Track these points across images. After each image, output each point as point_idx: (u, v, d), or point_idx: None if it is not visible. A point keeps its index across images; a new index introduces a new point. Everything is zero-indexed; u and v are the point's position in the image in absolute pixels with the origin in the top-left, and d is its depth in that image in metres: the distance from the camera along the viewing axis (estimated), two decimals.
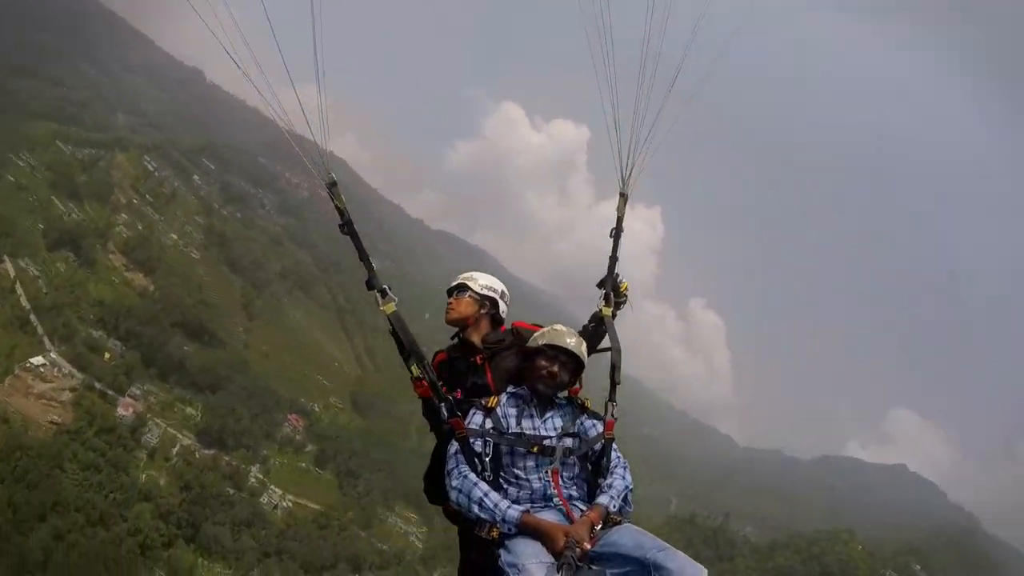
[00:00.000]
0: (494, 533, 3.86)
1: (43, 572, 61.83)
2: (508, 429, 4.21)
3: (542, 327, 4.68)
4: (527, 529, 3.76)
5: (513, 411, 4.30)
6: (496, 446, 4.17)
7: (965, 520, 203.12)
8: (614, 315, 5.08)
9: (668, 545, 3.54)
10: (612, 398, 4.60)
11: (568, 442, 4.27)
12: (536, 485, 4.11)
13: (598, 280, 5.18)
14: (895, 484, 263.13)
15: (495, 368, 4.72)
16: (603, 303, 5.05)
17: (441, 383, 4.37)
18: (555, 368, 4.29)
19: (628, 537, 3.66)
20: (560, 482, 4.12)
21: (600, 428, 4.39)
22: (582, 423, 4.41)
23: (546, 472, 4.13)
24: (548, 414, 4.35)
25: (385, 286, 4.38)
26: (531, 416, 4.29)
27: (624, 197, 5.13)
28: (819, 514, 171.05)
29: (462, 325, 4.92)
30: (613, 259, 5.11)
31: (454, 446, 4.16)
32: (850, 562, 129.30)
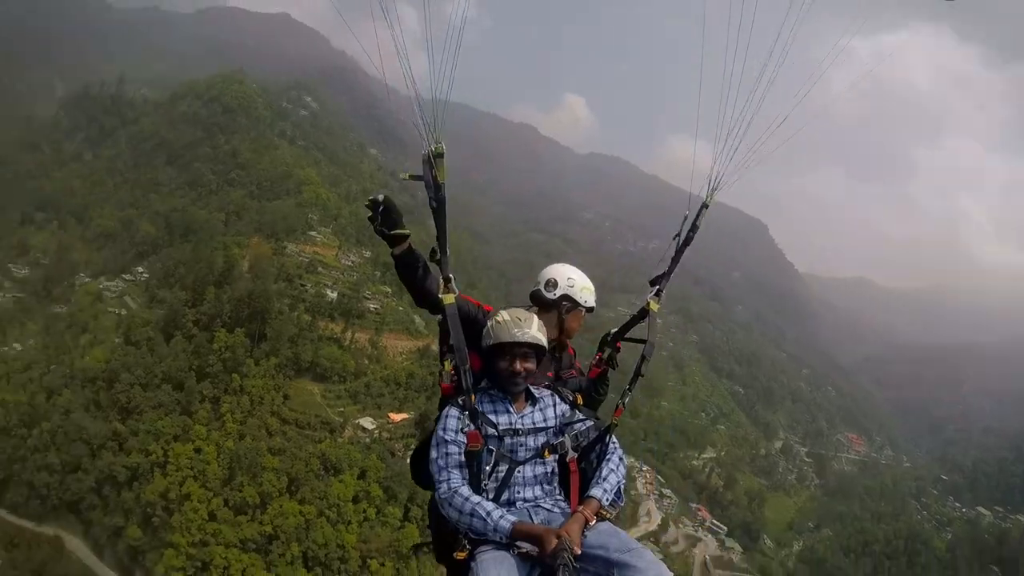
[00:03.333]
0: (461, 556, 3.56)
1: None
2: (496, 428, 3.84)
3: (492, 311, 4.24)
4: (519, 537, 3.44)
5: (489, 407, 3.92)
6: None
7: (345, 61, 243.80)
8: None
9: (636, 545, 3.44)
10: (631, 387, 4.31)
11: (551, 437, 3.96)
12: (489, 488, 3.80)
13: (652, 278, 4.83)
14: (283, 33, 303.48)
15: (541, 369, 4.29)
16: (654, 299, 4.70)
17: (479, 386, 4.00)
18: (515, 366, 3.88)
19: (595, 536, 3.49)
20: (522, 480, 3.85)
21: (588, 424, 4.09)
22: (569, 420, 4.08)
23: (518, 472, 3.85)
24: (526, 410, 3.99)
25: (451, 274, 4.00)
26: (507, 412, 3.92)
27: (706, 207, 4.64)
28: (208, 64, 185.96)
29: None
30: (675, 262, 4.71)
31: (448, 456, 3.73)
32: (246, 99, 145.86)
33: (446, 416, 3.85)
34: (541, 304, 4.67)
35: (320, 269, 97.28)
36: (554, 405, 4.10)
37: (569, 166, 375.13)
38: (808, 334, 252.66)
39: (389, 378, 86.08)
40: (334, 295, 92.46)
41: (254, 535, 62.60)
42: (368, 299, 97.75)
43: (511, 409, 3.95)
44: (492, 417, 3.89)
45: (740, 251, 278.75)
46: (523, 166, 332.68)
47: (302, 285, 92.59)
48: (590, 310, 4.78)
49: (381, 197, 3.82)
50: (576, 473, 3.97)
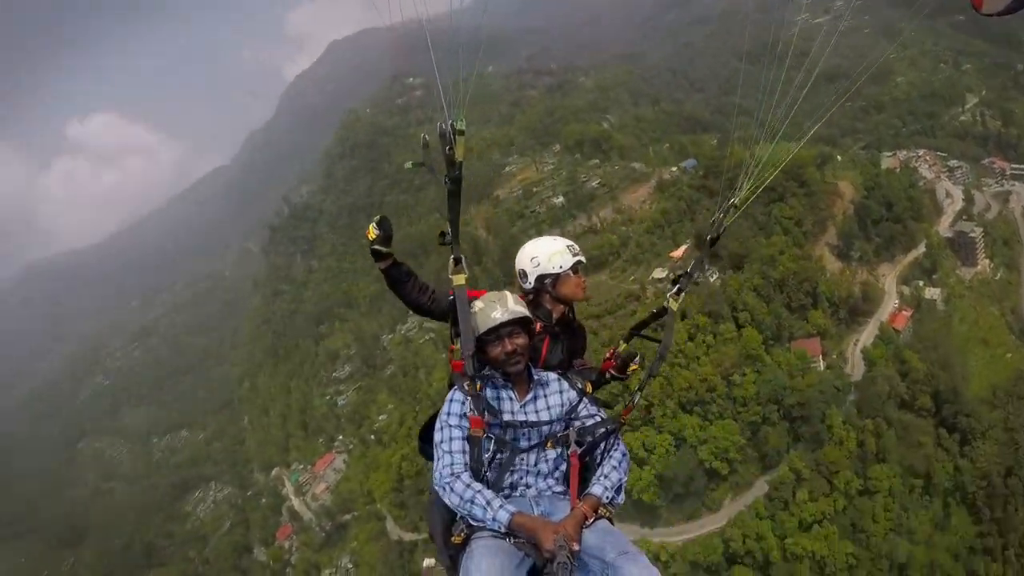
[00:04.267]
0: (457, 540, 3.59)
1: None
2: (498, 416, 3.90)
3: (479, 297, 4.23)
4: (517, 529, 3.42)
5: (491, 393, 3.96)
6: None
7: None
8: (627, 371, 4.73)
9: (632, 548, 3.43)
10: (642, 388, 4.54)
11: (557, 428, 4.01)
12: (490, 475, 3.85)
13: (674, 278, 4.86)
14: (347, 53, 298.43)
15: (553, 349, 4.61)
16: (674, 297, 4.74)
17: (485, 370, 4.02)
18: (508, 346, 3.94)
19: (592, 535, 3.51)
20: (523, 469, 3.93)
21: (597, 419, 4.09)
22: (576, 410, 4.11)
23: (520, 461, 3.92)
24: (528, 398, 4.03)
25: (461, 255, 4.12)
26: (510, 400, 3.98)
27: (736, 208, 4.68)
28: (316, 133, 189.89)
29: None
30: (701, 262, 4.87)
31: (452, 441, 3.78)
32: (372, 125, 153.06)
33: (450, 400, 3.92)
34: (529, 294, 4.73)
35: (535, 188, 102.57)
36: (561, 392, 4.13)
37: None
38: None
39: (651, 227, 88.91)
40: (560, 199, 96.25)
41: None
42: (586, 181, 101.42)
43: (514, 396, 4.01)
44: (495, 404, 3.93)
45: None
46: None
47: (531, 212, 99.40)
48: (577, 265, 4.70)
49: (379, 218, 4.24)
50: (577, 467, 3.95)
